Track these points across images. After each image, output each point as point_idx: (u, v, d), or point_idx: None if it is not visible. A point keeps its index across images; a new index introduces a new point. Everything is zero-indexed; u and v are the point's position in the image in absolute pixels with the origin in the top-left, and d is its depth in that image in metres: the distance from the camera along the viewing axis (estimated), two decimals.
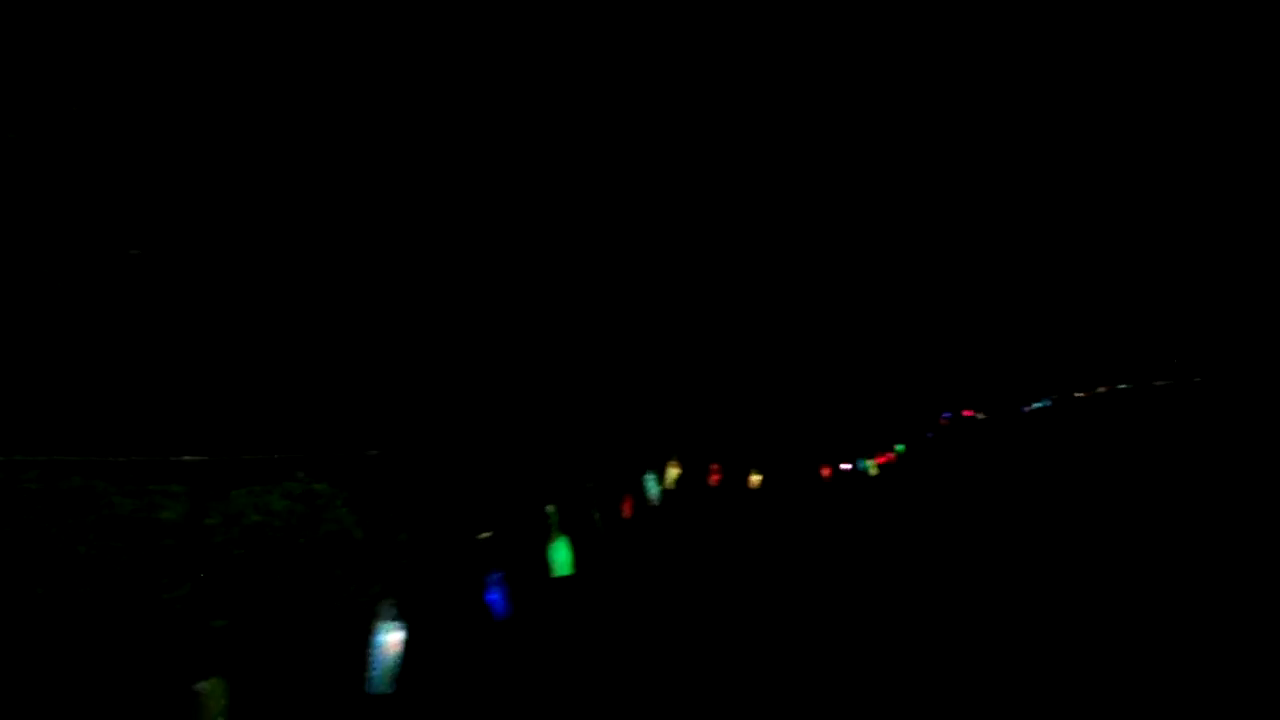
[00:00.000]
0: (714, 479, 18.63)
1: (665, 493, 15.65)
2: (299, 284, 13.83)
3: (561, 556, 9.79)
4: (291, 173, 13.77)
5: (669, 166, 20.84)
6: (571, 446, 13.69)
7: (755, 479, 19.24)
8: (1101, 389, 47.34)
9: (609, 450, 14.67)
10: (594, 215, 17.37)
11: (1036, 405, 40.92)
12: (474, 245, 14.50)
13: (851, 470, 22.64)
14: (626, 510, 14.32)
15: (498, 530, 8.94)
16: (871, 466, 23.32)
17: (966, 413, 35.15)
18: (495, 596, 8.44)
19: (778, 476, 19.99)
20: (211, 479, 10.65)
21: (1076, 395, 44.63)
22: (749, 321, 23.27)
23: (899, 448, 26.37)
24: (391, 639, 6.39)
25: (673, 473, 16.13)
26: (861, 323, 29.70)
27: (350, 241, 13.47)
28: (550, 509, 9.83)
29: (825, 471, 21.41)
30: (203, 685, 6.09)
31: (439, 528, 10.64)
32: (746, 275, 23.86)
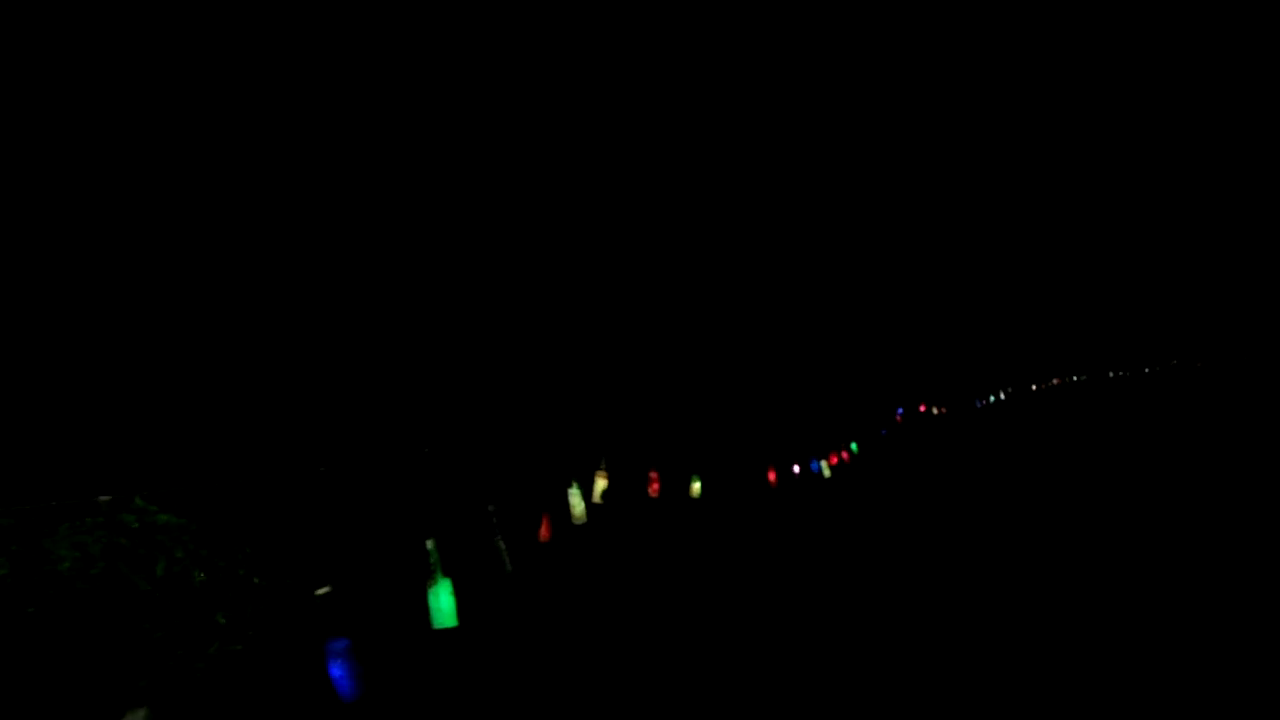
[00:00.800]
0: (654, 489, 16.75)
1: (592, 508, 13.64)
2: (164, 287, 11.78)
3: (444, 604, 7.71)
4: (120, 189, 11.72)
5: (599, 167, 19.08)
6: (469, 459, 11.60)
7: (696, 487, 17.32)
8: (1055, 380, 46.55)
9: (518, 462, 12.59)
10: (505, 206, 15.38)
11: (991, 399, 39.90)
12: (355, 237, 12.42)
13: (802, 473, 21.01)
14: (544, 533, 12.30)
15: (350, 579, 6.86)
16: (825, 468, 21.72)
17: (921, 408, 33.73)
18: (339, 671, 6.34)
19: (722, 483, 18.14)
20: (37, 512, 8.63)
21: (1032, 388, 43.76)
22: (688, 316, 21.44)
23: (853, 446, 24.91)
24: None
25: (600, 484, 14.11)
26: (813, 316, 28.18)
27: (201, 246, 11.39)
28: (430, 544, 7.76)
29: (771, 476, 19.57)
30: None
31: (293, 570, 8.58)
32: (683, 268, 22.10)
